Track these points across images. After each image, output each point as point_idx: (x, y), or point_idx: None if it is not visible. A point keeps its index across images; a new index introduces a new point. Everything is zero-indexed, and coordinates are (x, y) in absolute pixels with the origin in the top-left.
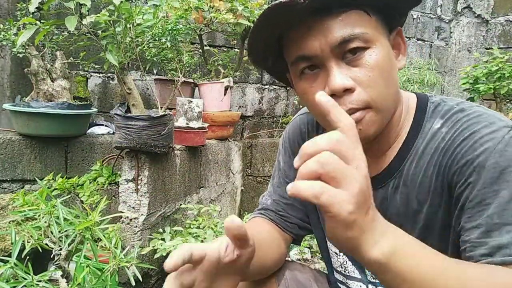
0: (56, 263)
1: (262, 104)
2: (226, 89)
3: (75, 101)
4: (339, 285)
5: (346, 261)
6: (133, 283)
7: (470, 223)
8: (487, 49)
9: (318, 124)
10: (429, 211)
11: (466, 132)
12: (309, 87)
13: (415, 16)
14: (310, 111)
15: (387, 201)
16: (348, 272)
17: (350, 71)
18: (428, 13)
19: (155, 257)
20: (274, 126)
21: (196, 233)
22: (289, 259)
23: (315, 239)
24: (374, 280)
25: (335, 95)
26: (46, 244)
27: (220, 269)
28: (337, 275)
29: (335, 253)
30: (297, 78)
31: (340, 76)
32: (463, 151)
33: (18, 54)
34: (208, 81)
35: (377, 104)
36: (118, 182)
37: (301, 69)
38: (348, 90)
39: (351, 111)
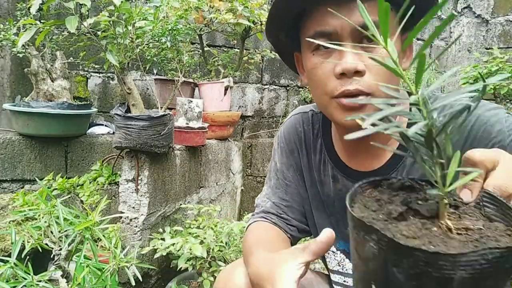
0: (56, 263)
1: (262, 104)
2: (226, 89)
3: (75, 101)
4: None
5: (344, 259)
6: (133, 283)
7: None
8: (487, 49)
9: (314, 123)
10: None
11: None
12: (319, 63)
13: None
14: (314, 88)
15: None
16: (346, 270)
17: (363, 57)
18: None
19: (155, 257)
20: (274, 126)
21: (196, 233)
22: None
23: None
24: None
25: (345, 74)
26: (46, 244)
27: None
28: (334, 277)
29: (332, 251)
30: (309, 54)
31: (354, 57)
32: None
33: (18, 54)
34: (208, 81)
35: (381, 95)
36: (118, 182)
37: (316, 44)
38: (358, 73)
39: (356, 92)
